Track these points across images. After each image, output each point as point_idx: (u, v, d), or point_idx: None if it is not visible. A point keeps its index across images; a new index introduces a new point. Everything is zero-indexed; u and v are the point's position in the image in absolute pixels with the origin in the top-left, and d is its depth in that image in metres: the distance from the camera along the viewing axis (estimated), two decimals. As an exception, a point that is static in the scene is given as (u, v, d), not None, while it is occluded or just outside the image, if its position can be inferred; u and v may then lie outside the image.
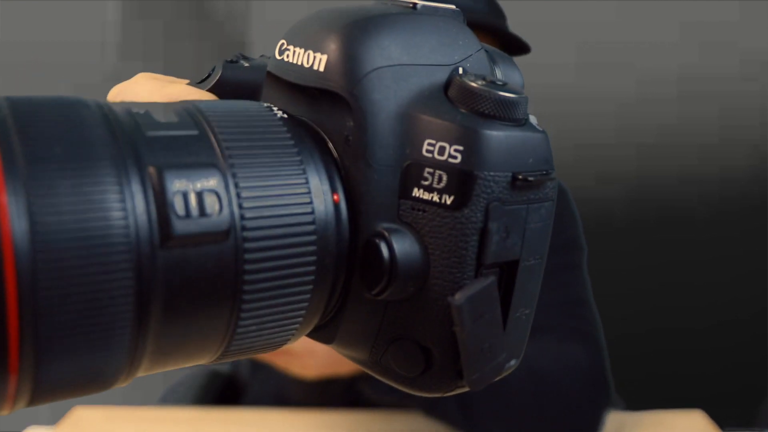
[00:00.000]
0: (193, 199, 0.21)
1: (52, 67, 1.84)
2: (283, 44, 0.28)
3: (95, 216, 0.19)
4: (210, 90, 0.30)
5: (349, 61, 0.25)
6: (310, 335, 0.28)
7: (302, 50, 0.27)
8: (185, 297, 0.21)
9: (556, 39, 1.76)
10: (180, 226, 0.21)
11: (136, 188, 0.20)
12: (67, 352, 0.19)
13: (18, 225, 0.18)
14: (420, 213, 0.24)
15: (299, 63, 0.27)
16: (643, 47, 1.79)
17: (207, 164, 0.22)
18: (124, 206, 0.20)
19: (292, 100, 0.27)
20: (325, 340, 0.28)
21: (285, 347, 0.30)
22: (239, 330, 0.23)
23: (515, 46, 0.85)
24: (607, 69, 1.80)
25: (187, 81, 0.31)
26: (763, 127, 1.85)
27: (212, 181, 0.22)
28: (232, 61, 0.32)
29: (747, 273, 1.85)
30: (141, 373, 0.23)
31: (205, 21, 1.90)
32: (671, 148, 1.84)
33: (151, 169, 0.21)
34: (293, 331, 0.25)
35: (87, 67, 1.87)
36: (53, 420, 0.83)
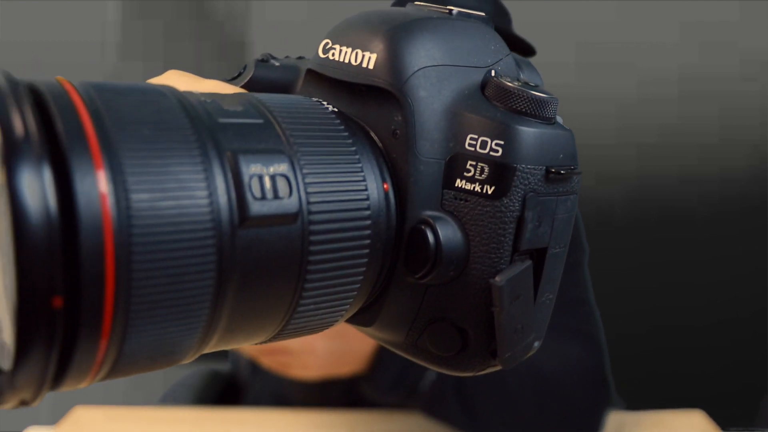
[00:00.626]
0: (267, 183, 0.23)
1: (52, 67, 1.84)
2: (327, 43, 0.30)
3: (184, 194, 0.21)
4: (242, 87, 0.31)
5: (398, 60, 0.27)
6: (351, 320, 0.29)
7: (349, 49, 0.28)
8: (257, 275, 0.23)
9: (556, 39, 1.76)
10: (256, 208, 0.22)
11: (217, 171, 0.22)
12: (151, 323, 0.20)
13: (116, 200, 0.19)
14: (462, 202, 0.26)
15: (346, 61, 0.28)
16: (644, 47, 1.79)
17: (277, 150, 0.24)
18: (208, 187, 0.21)
19: (336, 95, 0.29)
20: (365, 323, 0.29)
21: (285, 346, 0.30)
22: (299, 309, 0.25)
23: (520, 48, 0.85)
24: (607, 69, 1.80)
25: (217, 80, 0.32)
26: (763, 127, 1.85)
27: (283, 167, 0.24)
28: (262, 60, 0.33)
29: (747, 273, 1.85)
30: (207, 350, 0.24)
31: (205, 21, 1.90)
32: (671, 148, 1.84)
33: (229, 154, 0.22)
34: (343, 312, 0.27)
35: (87, 67, 1.87)
36: (53, 420, 0.83)
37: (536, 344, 0.29)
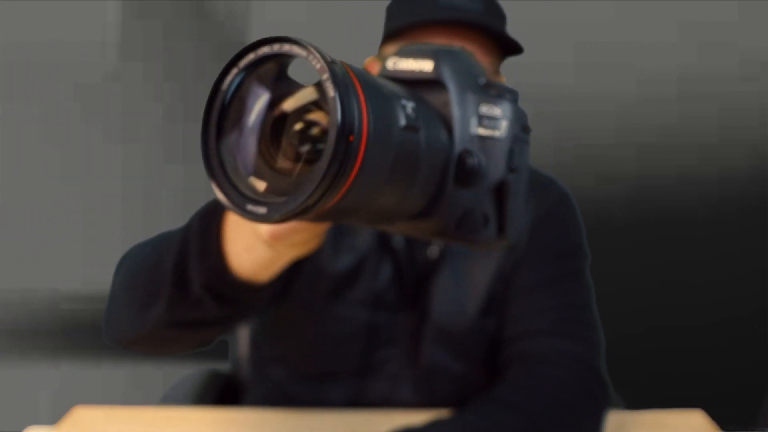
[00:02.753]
0: (411, 113, 0.41)
1: (52, 67, 1.84)
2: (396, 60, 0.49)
3: (391, 118, 0.39)
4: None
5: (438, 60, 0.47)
6: (413, 218, 0.45)
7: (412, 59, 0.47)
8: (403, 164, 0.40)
9: (556, 39, 1.76)
10: (402, 121, 0.40)
11: (400, 105, 0.40)
12: (367, 182, 0.37)
13: (367, 117, 0.36)
14: (484, 141, 0.45)
15: (409, 69, 0.47)
16: (643, 47, 1.80)
17: (414, 99, 0.43)
18: (398, 113, 0.40)
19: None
20: (426, 216, 0.45)
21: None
22: (408, 194, 0.42)
23: (509, 47, 0.85)
24: (607, 69, 1.81)
25: None
26: (762, 127, 1.85)
27: (411, 105, 0.41)
28: None
29: (747, 272, 1.85)
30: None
31: (205, 21, 1.90)
32: (671, 148, 1.84)
33: (403, 99, 0.41)
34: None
35: (87, 67, 1.87)
36: (53, 420, 0.83)
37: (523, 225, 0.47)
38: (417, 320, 0.89)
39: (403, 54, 0.46)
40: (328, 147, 0.33)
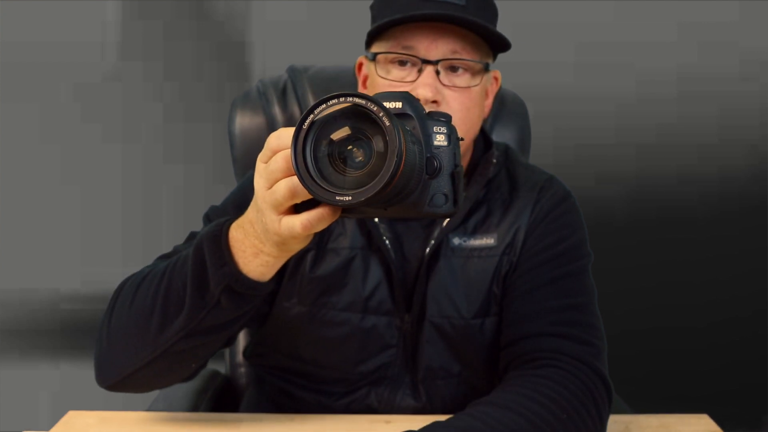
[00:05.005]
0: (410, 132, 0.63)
1: (52, 67, 1.84)
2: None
3: (416, 145, 0.61)
4: None
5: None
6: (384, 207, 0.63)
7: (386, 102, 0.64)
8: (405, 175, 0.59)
9: (556, 39, 1.76)
10: (412, 140, 0.61)
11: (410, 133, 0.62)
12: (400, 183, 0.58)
13: (400, 143, 0.55)
14: (441, 149, 0.65)
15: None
16: (643, 47, 1.80)
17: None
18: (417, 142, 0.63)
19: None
20: (411, 198, 0.63)
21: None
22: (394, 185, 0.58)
23: (498, 43, 0.84)
24: (607, 69, 1.81)
25: None
26: (762, 127, 1.85)
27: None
28: None
29: (747, 272, 1.85)
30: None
31: (205, 21, 1.90)
32: (671, 148, 1.84)
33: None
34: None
35: (87, 67, 1.87)
36: (48, 424, 0.83)
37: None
38: (413, 322, 0.89)
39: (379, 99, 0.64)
40: (390, 155, 0.55)
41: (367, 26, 0.88)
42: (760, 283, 1.85)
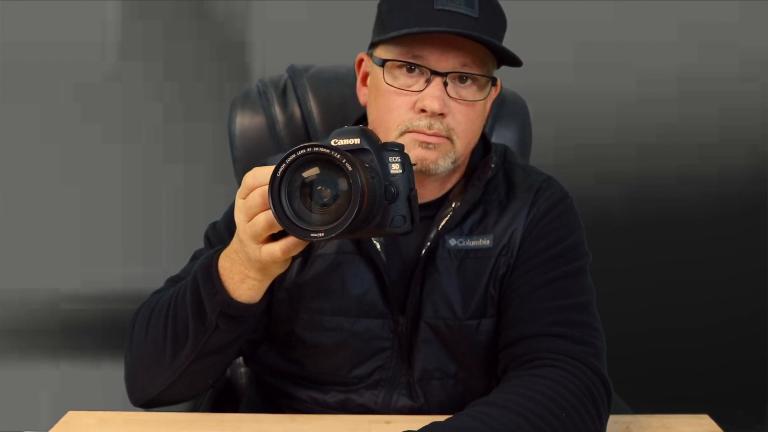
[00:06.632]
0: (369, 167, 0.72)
1: (52, 67, 1.84)
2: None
3: (378, 179, 0.71)
4: None
5: None
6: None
7: (346, 138, 0.74)
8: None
9: (556, 39, 1.76)
10: (372, 174, 0.71)
11: (369, 169, 0.71)
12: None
13: (362, 182, 0.65)
14: (396, 176, 0.75)
15: (347, 143, 0.73)
16: (643, 47, 1.80)
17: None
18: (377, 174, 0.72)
19: None
20: (375, 223, 0.71)
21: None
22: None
23: (506, 56, 0.84)
24: (607, 69, 1.81)
25: None
26: (762, 127, 1.85)
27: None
28: None
29: (747, 273, 1.85)
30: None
31: (205, 21, 1.90)
32: (671, 148, 1.84)
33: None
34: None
35: (87, 67, 1.87)
36: (48, 424, 0.83)
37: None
38: (408, 323, 0.89)
39: (339, 136, 0.73)
40: (355, 196, 0.63)
41: (367, 26, 0.88)
42: (760, 284, 1.85)
